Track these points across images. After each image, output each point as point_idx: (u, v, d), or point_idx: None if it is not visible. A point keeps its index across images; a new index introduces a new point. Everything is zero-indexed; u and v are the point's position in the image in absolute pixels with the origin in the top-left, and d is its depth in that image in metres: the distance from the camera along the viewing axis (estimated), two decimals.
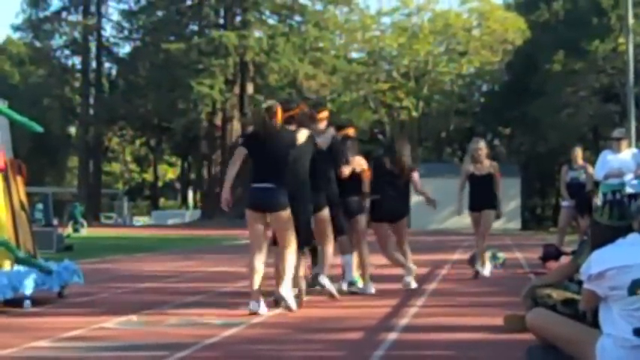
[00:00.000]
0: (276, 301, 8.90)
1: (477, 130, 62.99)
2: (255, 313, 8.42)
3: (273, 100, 9.44)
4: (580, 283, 5.23)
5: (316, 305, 9.17)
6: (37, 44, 63.10)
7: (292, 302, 8.67)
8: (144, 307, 9.12)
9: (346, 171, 10.00)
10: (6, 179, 9.45)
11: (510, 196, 47.19)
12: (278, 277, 8.93)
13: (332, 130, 9.99)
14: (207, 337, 7.03)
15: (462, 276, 13.10)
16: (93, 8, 62.76)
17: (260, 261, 8.65)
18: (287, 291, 8.64)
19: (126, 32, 63.83)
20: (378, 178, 10.78)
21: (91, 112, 63.03)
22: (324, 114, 10.07)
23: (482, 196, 12.72)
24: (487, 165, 12.82)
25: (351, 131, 10.85)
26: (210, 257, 19.17)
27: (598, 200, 12.90)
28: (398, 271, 11.23)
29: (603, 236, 5.08)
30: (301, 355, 6.47)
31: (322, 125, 9.88)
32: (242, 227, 44.28)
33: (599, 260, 4.76)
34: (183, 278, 13.21)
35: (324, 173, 9.64)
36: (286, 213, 8.69)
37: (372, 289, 10.40)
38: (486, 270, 12.96)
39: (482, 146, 12.94)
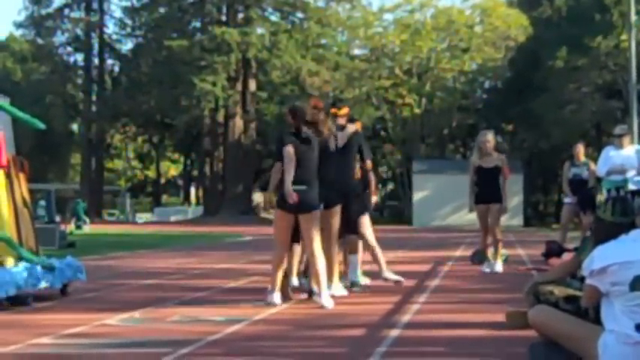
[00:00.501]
0: (310, 292, 9.21)
1: (480, 127, 63.02)
2: (272, 305, 8.66)
3: (316, 99, 9.45)
4: (582, 279, 5.22)
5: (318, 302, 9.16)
6: (40, 41, 63.08)
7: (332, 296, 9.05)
8: (146, 303, 9.12)
9: (370, 165, 10.16)
10: (8, 176, 9.45)
11: (513, 192, 47.13)
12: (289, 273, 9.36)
13: (352, 127, 10.09)
14: (210, 334, 7.03)
15: (464, 273, 13.09)
16: (95, 5, 62.82)
17: (284, 257, 9.01)
18: (325, 294, 8.85)
19: (128, 29, 63.90)
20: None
21: (94, 108, 63.10)
22: (345, 111, 10.23)
23: (489, 189, 12.68)
24: (495, 157, 12.79)
25: (358, 126, 10.88)
26: (213, 254, 19.15)
27: (601, 196, 12.89)
28: (402, 267, 11.23)
29: (606, 233, 5.08)
30: (303, 351, 6.46)
31: (342, 122, 10.03)
32: (244, 224, 44.11)
33: (601, 256, 4.76)
34: (185, 275, 13.21)
35: (341, 170, 9.69)
36: (317, 213, 8.94)
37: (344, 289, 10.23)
38: (498, 265, 12.93)
39: (489, 138, 12.89)
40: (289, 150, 8.74)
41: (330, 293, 9.06)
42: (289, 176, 8.68)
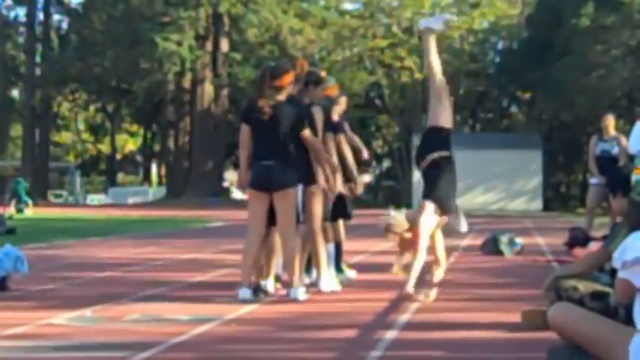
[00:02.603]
0: (255, 290, 9.07)
1: (491, 95, 63.12)
2: (244, 302, 8.68)
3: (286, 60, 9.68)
4: (612, 273, 5.24)
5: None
6: None
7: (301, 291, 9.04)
8: (99, 300, 9.11)
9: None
10: None
11: (530, 171, 47.30)
12: (261, 264, 9.36)
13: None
14: (174, 336, 7.02)
15: (473, 265, 13.12)
16: None
17: (257, 244, 9.07)
18: (297, 285, 9.03)
19: None
20: None
21: (38, 72, 62.79)
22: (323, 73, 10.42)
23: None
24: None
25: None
26: (178, 242, 19.16)
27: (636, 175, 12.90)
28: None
29: None
30: (283, 356, 6.48)
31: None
32: (214, 207, 43.98)
33: (635, 245, 4.75)
34: (145, 267, 13.21)
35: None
36: (293, 192, 9.06)
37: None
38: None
39: None
40: (241, 130, 9.19)
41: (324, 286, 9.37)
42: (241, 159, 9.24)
